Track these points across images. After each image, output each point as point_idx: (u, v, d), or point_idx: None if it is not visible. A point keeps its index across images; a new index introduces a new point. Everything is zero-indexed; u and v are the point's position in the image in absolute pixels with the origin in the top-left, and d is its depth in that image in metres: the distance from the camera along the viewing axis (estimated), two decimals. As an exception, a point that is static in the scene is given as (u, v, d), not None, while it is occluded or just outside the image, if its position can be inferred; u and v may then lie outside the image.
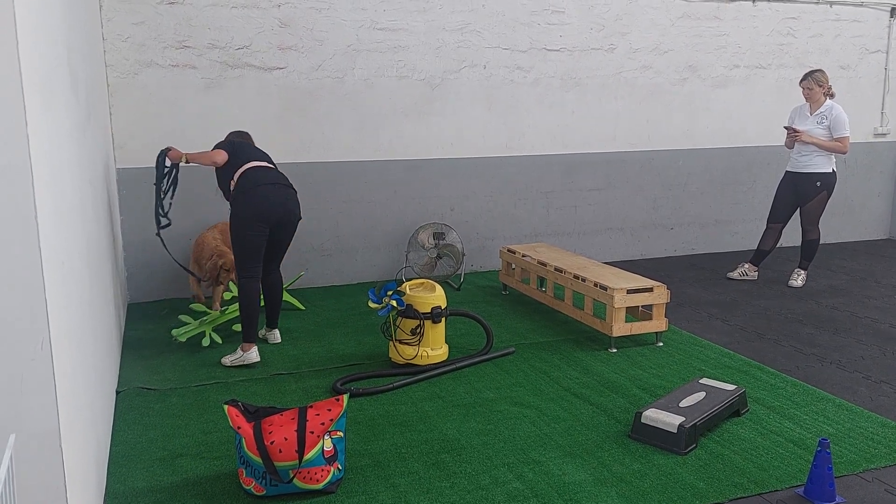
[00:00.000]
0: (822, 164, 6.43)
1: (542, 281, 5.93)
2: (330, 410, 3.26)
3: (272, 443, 3.13)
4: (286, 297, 5.77)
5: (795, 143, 6.51)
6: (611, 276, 5.24)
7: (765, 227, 6.89)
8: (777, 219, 6.74)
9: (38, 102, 2.25)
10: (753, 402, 4.17)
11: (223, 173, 4.72)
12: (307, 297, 6.26)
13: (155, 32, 5.80)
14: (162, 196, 4.81)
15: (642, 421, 3.69)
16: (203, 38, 5.94)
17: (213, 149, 4.75)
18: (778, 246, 6.99)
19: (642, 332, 5.08)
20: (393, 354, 4.73)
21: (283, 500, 3.20)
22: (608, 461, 3.51)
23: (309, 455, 3.14)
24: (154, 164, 4.77)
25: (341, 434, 3.31)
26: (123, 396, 4.26)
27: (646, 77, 7.37)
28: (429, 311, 4.64)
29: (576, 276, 5.33)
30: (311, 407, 3.29)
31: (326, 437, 3.22)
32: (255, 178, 4.61)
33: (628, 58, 7.26)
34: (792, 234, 7.42)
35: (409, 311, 4.63)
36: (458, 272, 6.74)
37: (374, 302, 4.71)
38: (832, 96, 6.46)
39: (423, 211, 6.85)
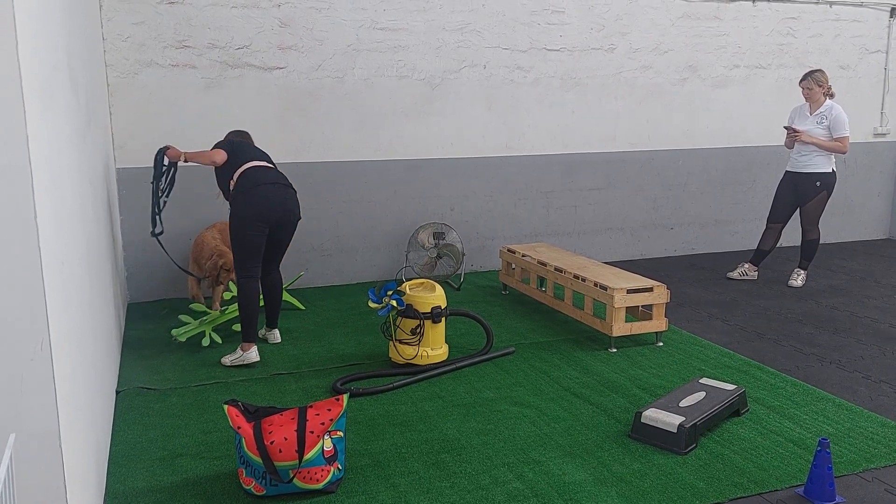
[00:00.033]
0: (822, 164, 6.43)
1: (542, 281, 5.93)
2: (330, 410, 3.26)
3: (272, 443, 3.13)
4: (286, 296, 5.77)
5: (795, 143, 6.51)
6: (611, 276, 5.24)
7: (765, 227, 6.89)
8: (777, 219, 6.74)
9: (38, 107, 2.25)
10: (753, 401, 4.17)
11: (222, 173, 4.72)
12: (307, 297, 6.26)
13: (155, 32, 5.80)
14: (159, 195, 4.81)
15: (642, 421, 3.69)
16: (203, 37, 5.94)
17: (213, 148, 4.75)
18: (778, 246, 6.99)
19: (642, 331, 5.08)
20: (393, 354, 4.73)
21: (283, 500, 3.20)
22: (608, 461, 3.51)
23: (309, 455, 3.14)
24: (152, 164, 4.78)
25: (341, 434, 3.31)
26: (123, 396, 4.26)
27: (646, 77, 7.37)
28: (429, 310, 4.64)
29: (576, 276, 5.34)
30: (311, 407, 3.29)
31: (326, 436, 3.23)
32: (254, 177, 4.61)
33: (628, 58, 7.26)
34: (792, 234, 7.42)
35: (409, 311, 4.63)
36: (458, 272, 6.74)
37: (374, 302, 4.71)
38: (832, 96, 6.46)
39: (423, 211, 6.85)
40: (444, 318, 4.72)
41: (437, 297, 4.70)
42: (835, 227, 8.43)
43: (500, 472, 3.41)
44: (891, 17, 8.23)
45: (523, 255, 6.05)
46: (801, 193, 6.55)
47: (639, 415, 3.71)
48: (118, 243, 5.43)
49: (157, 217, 4.83)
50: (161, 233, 4.86)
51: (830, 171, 6.46)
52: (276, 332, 5.15)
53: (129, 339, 5.24)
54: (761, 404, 4.14)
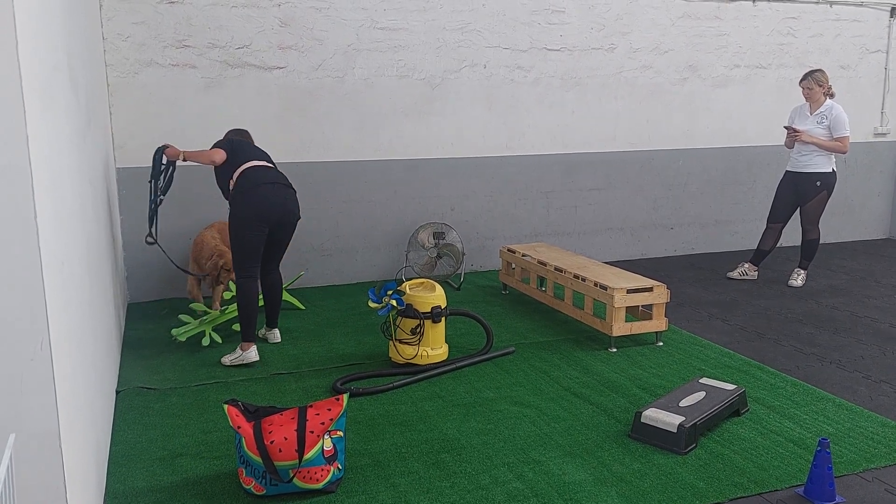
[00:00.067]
0: (822, 163, 6.43)
1: (542, 281, 5.93)
2: (330, 410, 3.26)
3: (272, 442, 3.13)
4: (286, 296, 5.78)
5: (795, 143, 6.51)
6: (611, 276, 5.24)
7: (765, 227, 6.89)
8: (777, 218, 6.74)
9: (38, 107, 2.25)
10: (753, 401, 4.17)
11: (222, 172, 4.72)
12: (307, 296, 6.26)
13: (155, 32, 5.80)
14: (158, 193, 4.81)
15: (642, 420, 3.69)
16: (203, 37, 5.94)
17: (212, 148, 4.74)
18: (778, 246, 6.99)
19: (642, 331, 5.08)
20: (393, 354, 4.73)
21: (283, 499, 3.20)
22: (608, 461, 3.51)
23: (309, 455, 3.14)
24: (151, 163, 4.78)
25: (341, 434, 3.31)
26: (123, 396, 4.26)
27: (646, 77, 7.37)
28: (429, 310, 4.64)
29: (576, 276, 5.34)
30: (310, 406, 3.29)
31: (326, 436, 3.23)
32: (254, 177, 4.61)
33: (628, 57, 7.26)
34: (792, 234, 7.42)
35: (409, 311, 4.63)
36: (458, 272, 6.74)
37: (374, 301, 4.71)
38: (832, 96, 6.46)
39: (423, 211, 6.85)
40: (444, 318, 4.72)
41: (437, 296, 4.70)
42: (835, 226, 8.43)
43: (500, 472, 3.41)
44: (891, 16, 8.23)
45: (523, 255, 6.05)
46: (802, 193, 6.55)
47: (639, 415, 3.71)
48: (118, 243, 5.43)
49: (153, 223, 4.83)
50: (154, 242, 4.86)
51: (831, 170, 6.46)
52: (276, 331, 5.15)
53: (129, 339, 5.24)
54: (761, 404, 4.14)
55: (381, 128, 6.58)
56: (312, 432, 3.17)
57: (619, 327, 4.97)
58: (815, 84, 6.41)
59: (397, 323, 4.69)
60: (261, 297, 5.31)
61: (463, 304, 6.01)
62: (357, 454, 3.57)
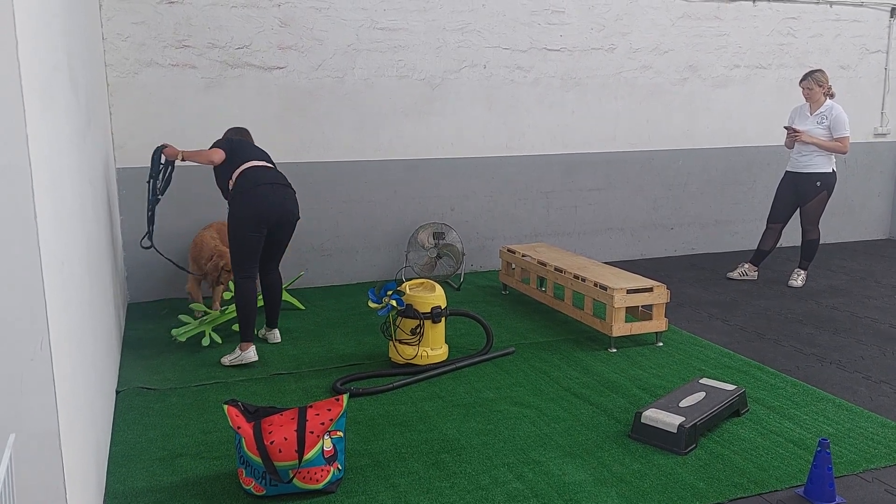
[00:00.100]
0: (822, 164, 6.43)
1: (542, 281, 5.93)
2: (330, 410, 3.26)
3: (272, 443, 3.13)
4: (286, 296, 5.78)
5: (795, 143, 6.51)
6: (611, 276, 5.24)
7: (765, 227, 6.89)
8: (777, 219, 6.74)
9: (38, 107, 2.25)
10: (753, 402, 4.17)
11: (221, 172, 4.72)
12: (307, 297, 6.26)
13: (155, 32, 5.80)
14: (156, 193, 4.81)
15: (642, 421, 3.69)
16: (203, 37, 5.93)
17: (211, 147, 4.74)
18: (778, 246, 6.99)
19: (642, 332, 5.08)
20: (393, 354, 4.73)
21: (282, 500, 3.20)
22: (608, 461, 3.51)
23: (309, 455, 3.14)
24: (149, 163, 4.79)
25: (341, 434, 3.31)
26: (123, 396, 4.26)
27: (646, 77, 7.37)
28: (429, 310, 4.64)
29: (576, 276, 5.34)
30: (310, 407, 3.29)
31: (326, 436, 3.23)
32: (254, 177, 4.60)
33: (628, 58, 7.26)
34: (792, 234, 7.42)
35: (408, 311, 4.63)
36: (458, 272, 6.74)
37: (374, 302, 4.71)
38: (832, 96, 6.46)
39: (423, 211, 6.85)
40: (443, 318, 4.72)
41: (436, 297, 4.70)
42: (835, 227, 8.43)
43: (499, 473, 3.41)
44: (891, 17, 8.23)
45: (523, 255, 6.05)
46: (802, 193, 6.55)
47: (639, 415, 3.71)
48: (118, 243, 5.43)
49: (151, 225, 4.83)
50: (150, 246, 4.87)
51: (831, 171, 6.46)
52: (276, 331, 5.15)
53: (129, 339, 5.24)
54: (761, 404, 4.14)
55: (381, 128, 6.58)
56: (312, 433, 3.17)
57: (619, 327, 4.97)
58: (815, 84, 6.41)
59: (397, 323, 4.69)
60: (260, 297, 5.32)
61: (463, 305, 6.01)
62: (357, 454, 3.57)
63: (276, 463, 3.12)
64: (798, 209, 6.64)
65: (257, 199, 4.55)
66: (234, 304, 5.28)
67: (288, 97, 6.24)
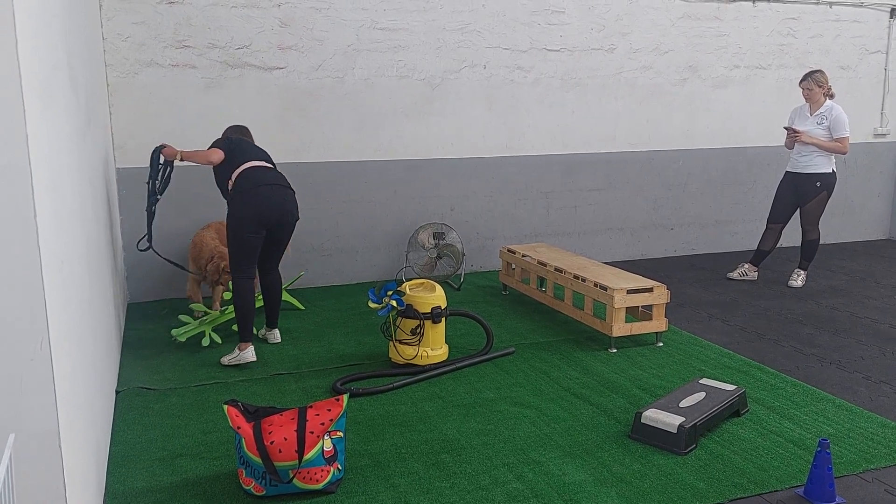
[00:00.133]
0: (822, 164, 6.43)
1: (542, 281, 5.93)
2: (330, 410, 3.26)
3: (272, 443, 3.13)
4: (286, 296, 5.77)
5: (795, 144, 6.51)
6: (611, 277, 5.24)
7: (765, 228, 6.89)
8: (777, 219, 6.74)
9: (38, 106, 2.25)
10: (753, 402, 4.17)
11: (220, 172, 4.71)
12: (307, 297, 6.25)
13: (155, 32, 5.80)
14: (155, 193, 4.81)
15: (642, 421, 3.69)
16: (203, 37, 5.93)
17: (210, 147, 4.72)
18: (778, 246, 6.99)
19: (642, 332, 5.08)
20: (393, 354, 4.73)
21: (282, 500, 3.20)
22: (608, 461, 3.51)
23: (309, 455, 3.14)
24: (148, 163, 4.79)
25: (341, 434, 3.31)
26: (123, 396, 4.26)
27: (646, 77, 7.37)
28: (429, 311, 4.63)
29: (576, 277, 5.33)
30: (310, 407, 3.29)
31: (326, 437, 3.22)
32: (254, 178, 4.59)
33: (628, 58, 7.26)
34: (792, 235, 7.42)
35: (409, 311, 4.63)
36: (458, 272, 6.74)
37: (374, 302, 4.71)
38: (832, 97, 6.46)
39: (423, 211, 6.85)
40: (444, 319, 4.72)
41: (437, 297, 4.70)
42: (835, 227, 8.43)
43: (500, 473, 3.41)
44: (891, 17, 8.23)
45: (523, 256, 6.05)
46: (802, 194, 6.55)
47: (639, 415, 3.71)
48: (118, 243, 5.43)
49: (149, 228, 4.83)
50: (147, 248, 4.87)
51: (830, 171, 6.46)
52: (276, 331, 5.15)
53: (129, 339, 5.24)
54: (761, 405, 4.14)
55: (381, 128, 6.58)
56: (312, 433, 3.16)
57: (619, 328, 4.97)
58: (814, 85, 6.40)
59: (397, 323, 4.69)
60: (260, 297, 5.31)
61: (463, 305, 6.01)
62: (357, 455, 3.57)
63: (276, 463, 3.12)
64: (798, 209, 6.64)
65: (257, 200, 4.54)
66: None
67: (288, 97, 6.24)
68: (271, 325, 5.15)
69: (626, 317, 5.04)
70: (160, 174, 4.81)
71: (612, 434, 3.79)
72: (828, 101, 6.43)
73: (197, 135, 5.86)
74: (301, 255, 6.47)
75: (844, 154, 6.52)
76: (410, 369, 4.58)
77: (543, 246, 6.39)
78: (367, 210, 6.66)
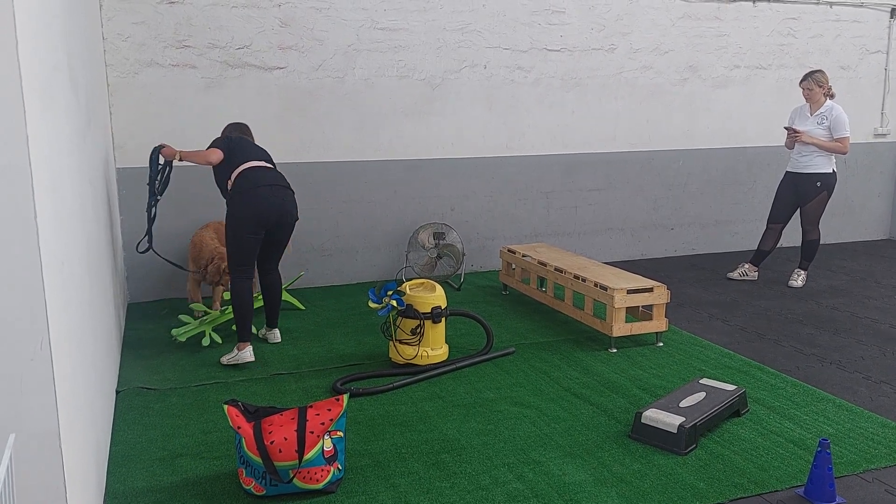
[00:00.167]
0: (823, 164, 6.43)
1: (542, 281, 5.93)
2: (330, 410, 3.26)
3: (272, 443, 3.13)
4: (286, 296, 5.77)
5: (796, 144, 6.51)
6: (611, 277, 5.24)
7: (765, 228, 6.89)
8: (777, 219, 6.74)
9: (38, 107, 2.25)
10: (753, 402, 4.17)
11: (220, 172, 4.71)
12: (307, 297, 6.26)
13: (155, 32, 5.80)
14: (155, 194, 4.81)
15: (642, 421, 3.69)
16: (203, 37, 5.93)
17: (209, 147, 4.71)
18: (778, 246, 6.99)
19: (642, 332, 5.08)
20: (393, 354, 4.73)
21: (283, 500, 3.20)
22: (608, 461, 3.51)
23: (309, 455, 3.14)
24: (147, 163, 4.79)
25: (341, 434, 3.31)
26: (123, 396, 4.26)
27: (646, 77, 7.37)
28: (429, 311, 4.63)
29: (576, 277, 5.33)
30: (310, 407, 3.29)
31: (326, 436, 3.22)
32: (253, 178, 4.59)
33: (629, 58, 7.26)
34: (792, 235, 7.42)
35: (409, 311, 4.63)
36: (459, 272, 6.74)
37: (374, 302, 4.71)
38: (832, 97, 6.46)
39: (423, 211, 6.85)
40: (444, 319, 4.72)
41: (437, 297, 4.70)
42: (835, 227, 8.43)
43: (500, 473, 3.41)
44: (891, 17, 8.23)
45: (523, 256, 6.05)
46: (802, 194, 6.55)
47: (639, 415, 3.71)
48: (118, 243, 5.43)
49: (150, 229, 4.83)
50: (146, 250, 4.87)
51: (831, 171, 6.46)
52: (276, 331, 5.15)
53: (129, 339, 5.24)
54: (761, 405, 4.14)
55: (381, 128, 6.58)
56: (312, 433, 3.17)
57: (620, 328, 4.97)
58: (815, 85, 6.40)
59: (397, 323, 4.69)
60: (260, 297, 5.31)
61: (463, 305, 6.01)
62: (357, 454, 3.57)
63: (276, 463, 3.12)
64: (798, 209, 6.64)
65: (256, 201, 4.54)
66: (233, 305, 5.28)
67: (288, 97, 6.24)
68: (271, 325, 5.15)
69: (626, 317, 5.04)
70: (160, 175, 4.80)
71: (612, 434, 3.79)
72: (828, 101, 6.42)
73: (197, 135, 5.86)
74: (301, 255, 6.47)
75: (845, 154, 6.52)
76: (410, 369, 4.59)
77: (543, 246, 6.39)
78: (367, 210, 6.66)
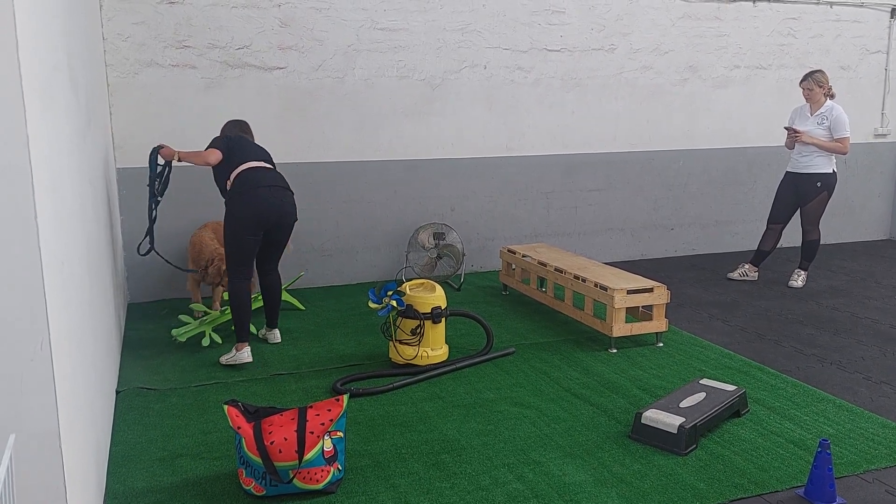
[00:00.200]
0: (823, 164, 6.43)
1: (542, 281, 5.92)
2: (330, 411, 3.26)
3: (272, 443, 3.13)
4: (286, 297, 5.77)
5: (796, 144, 6.51)
6: (611, 277, 5.24)
7: (765, 228, 6.89)
8: (777, 219, 6.74)
9: (38, 107, 2.25)
10: (754, 402, 4.16)
11: (219, 172, 4.70)
12: (307, 297, 6.25)
13: (155, 32, 5.80)
14: (156, 195, 4.81)
15: (642, 421, 3.69)
16: (203, 37, 5.93)
17: (208, 147, 4.69)
18: (778, 246, 6.98)
19: (642, 332, 5.07)
20: (393, 355, 4.72)
21: (283, 500, 3.20)
22: (608, 462, 3.51)
23: (309, 455, 3.14)
24: (147, 164, 4.78)
25: (341, 434, 3.31)
26: (123, 396, 4.26)
27: (646, 77, 7.37)
28: (429, 311, 4.63)
29: (576, 277, 5.33)
30: (310, 407, 3.29)
31: (326, 437, 3.22)
32: (252, 179, 4.58)
33: (629, 58, 7.26)
34: (792, 235, 7.42)
35: (409, 312, 4.63)
36: (459, 272, 6.74)
37: (374, 302, 4.70)
38: (832, 97, 6.46)
39: (423, 211, 6.85)
40: (444, 319, 4.72)
41: (437, 297, 4.70)
42: (835, 227, 8.43)
43: (500, 473, 3.41)
44: (891, 17, 8.23)
45: (523, 256, 6.04)
46: (802, 194, 6.55)
47: (639, 415, 3.71)
48: (118, 243, 5.43)
49: (150, 230, 4.83)
50: (148, 252, 4.87)
51: (831, 171, 6.45)
52: (276, 332, 5.15)
53: (129, 339, 5.23)
54: (762, 405, 4.14)
55: (381, 128, 6.57)
56: (312, 433, 3.16)
57: (620, 328, 4.97)
58: (815, 85, 6.40)
59: (397, 323, 4.69)
60: (260, 297, 5.31)
61: (463, 305, 6.01)
62: (357, 455, 3.57)
63: (276, 463, 3.12)
64: (798, 210, 6.64)
65: (255, 202, 4.53)
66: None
67: (288, 97, 6.24)
68: (271, 326, 5.15)
69: (626, 317, 5.04)
70: (159, 176, 4.80)
71: (612, 434, 3.79)
72: (828, 102, 6.42)
73: (197, 135, 5.86)
74: (301, 255, 6.47)
75: (845, 154, 6.52)
76: (410, 369, 4.58)
77: (543, 246, 6.39)
78: (367, 210, 6.66)
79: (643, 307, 5.13)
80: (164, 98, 5.90)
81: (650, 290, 5.02)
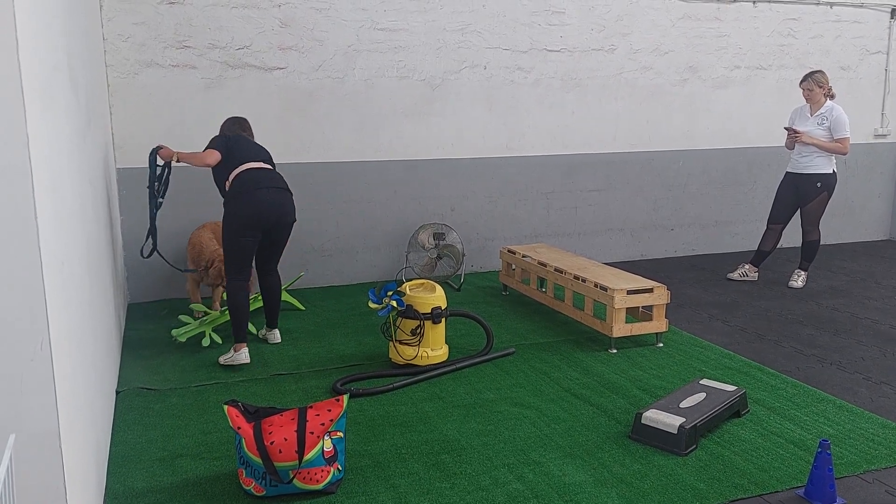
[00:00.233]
0: (823, 164, 6.43)
1: (542, 281, 5.92)
2: (330, 411, 3.26)
3: (272, 443, 3.13)
4: (286, 297, 5.77)
5: (796, 144, 6.51)
6: (611, 277, 5.24)
7: (765, 228, 6.89)
8: (777, 220, 6.74)
9: (38, 107, 2.25)
10: (754, 403, 4.16)
11: (218, 172, 4.69)
12: (307, 297, 6.25)
13: (155, 32, 5.80)
14: (156, 196, 4.80)
15: (642, 422, 3.69)
16: (203, 38, 5.93)
17: (207, 147, 4.68)
18: (778, 247, 6.99)
19: (642, 332, 5.07)
20: (393, 355, 4.72)
21: (283, 500, 3.19)
22: (608, 462, 3.51)
23: (309, 455, 3.14)
24: (147, 164, 4.78)
25: (341, 434, 3.31)
26: (123, 396, 4.26)
27: (646, 78, 7.37)
28: (429, 311, 4.63)
29: (576, 277, 5.33)
30: (311, 407, 3.29)
31: (326, 437, 3.22)
32: (251, 180, 4.57)
33: (629, 58, 7.26)
34: (792, 235, 7.42)
35: (409, 312, 4.63)
36: (459, 273, 6.74)
37: (374, 302, 4.70)
38: (832, 97, 6.46)
39: (423, 211, 6.85)
40: (444, 319, 4.72)
41: (437, 297, 4.70)
42: (835, 228, 8.43)
43: (500, 473, 3.41)
44: (891, 18, 8.23)
45: (523, 256, 6.04)
46: (802, 194, 6.55)
47: (639, 416, 3.71)
48: (118, 243, 5.43)
49: (153, 233, 4.82)
50: (150, 254, 4.87)
51: (831, 172, 6.45)
52: (276, 332, 5.15)
53: (129, 339, 5.23)
54: (762, 405, 4.14)
55: (381, 128, 6.58)
56: (312, 433, 3.16)
57: (620, 328, 4.97)
58: (815, 85, 6.40)
59: (397, 324, 4.69)
60: (260, 297, 5.31)
61: (463, 305, 6.01)
62: (357, 455, 3.56)
63: (276, 463, 3.12)
64: (798, 210, 6.64)
65: (254, 202, 4.52)
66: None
67: (288, 98, 6.24)
68: (271, 326, 5.15)
69: (626, 317, 5.04)
70: (159, 177, 4.79)
71: (612, 435, 3.79)
72: (828, 102, 6.43)
73: (197, 135, 5.86)
74: (301, 255, 6.47)
75: (845, 155, 6.52)
76: (410, 370, 4.58)
77: (543, 246, 6.39)
78: (367, 210, 6.66)
79: (643, 307, 5.13)
80: (164, 98, 5.90)
81: (650, 290, 5.02)
